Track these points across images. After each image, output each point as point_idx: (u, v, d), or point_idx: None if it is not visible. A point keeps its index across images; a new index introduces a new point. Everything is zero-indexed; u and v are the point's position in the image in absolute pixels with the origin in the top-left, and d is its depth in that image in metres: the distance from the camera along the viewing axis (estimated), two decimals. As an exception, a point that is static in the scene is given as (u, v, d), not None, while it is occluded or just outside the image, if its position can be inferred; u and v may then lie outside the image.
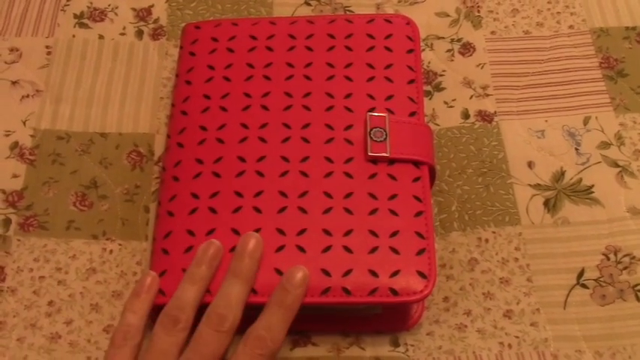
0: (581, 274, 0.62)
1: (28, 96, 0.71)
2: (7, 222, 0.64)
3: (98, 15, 0.76)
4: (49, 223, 0.64)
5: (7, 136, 0.69)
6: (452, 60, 0.73)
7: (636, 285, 0.61)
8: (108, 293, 0.61)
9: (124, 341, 0.54)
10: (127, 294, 0.60)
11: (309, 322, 0.59)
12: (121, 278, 0.62)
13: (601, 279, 0.61)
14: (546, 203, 0.65)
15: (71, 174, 0.67)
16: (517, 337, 0.59)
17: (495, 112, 0.69)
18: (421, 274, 0.55)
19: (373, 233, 0.56)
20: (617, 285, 0.61)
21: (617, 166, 0.66)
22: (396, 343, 0.59)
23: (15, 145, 0.68)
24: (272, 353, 0.53)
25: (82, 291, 0.62)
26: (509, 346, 0.59)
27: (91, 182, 0.66)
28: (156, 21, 0.76)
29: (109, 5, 0.77)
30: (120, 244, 0.64)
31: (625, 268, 0.62)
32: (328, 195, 0.58)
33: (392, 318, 0.59)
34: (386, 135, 0.60)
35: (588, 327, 0.59)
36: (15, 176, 0.67)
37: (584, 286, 0.61)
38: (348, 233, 0.57)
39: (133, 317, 0.55)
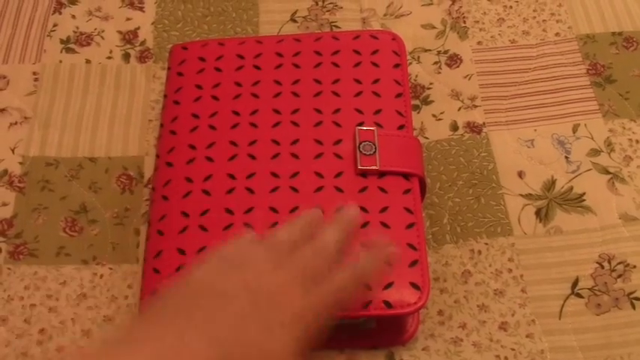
0: (575, 283, 0.61)
1: (16, 123, 0.71)
2: (-3, 250, 0.64)
3: (84, 39, 0.76)
4: (38, 251, 0.64)
5: (-4, 163, 0.69)
6: (439, 72, 0.73)
7: (631, 293, 0.60)
8: (99, 318, 0.61)
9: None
10: (118, 318, 0.59)
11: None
12: (112, 302, 0.61)
13: (595, 288, 0.61)
14: (538, 213, 0.64)
15: (61, 200, 0.66)
16: (513, 349, 0.59)
17: (484, 123, 0.69)
18: (414, 286, 0.55)
19: (365, 247, 0.56)
20: (612, 293, 0.60)
21: (608, 172, 0.66)
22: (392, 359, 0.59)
23: (4, 172, 0.68)
24: None
25: (73, 317, 0.61)
26: (506, 359, 0.58)
27: (80, 207, 0.66)
28: (142, 43, 0.76)
29: (95, 29, 0.77)
30: (110, 268, 0.63)
31: (619, 275, 0.61)
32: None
33: (387, 332, 0.59)
34: (375, 148, 0.59)
35: (584, 337, 0.59)
36: (4, 204, 0.66)
37: (578, 295, 0.61)
38: (339, 248, 0.56)
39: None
